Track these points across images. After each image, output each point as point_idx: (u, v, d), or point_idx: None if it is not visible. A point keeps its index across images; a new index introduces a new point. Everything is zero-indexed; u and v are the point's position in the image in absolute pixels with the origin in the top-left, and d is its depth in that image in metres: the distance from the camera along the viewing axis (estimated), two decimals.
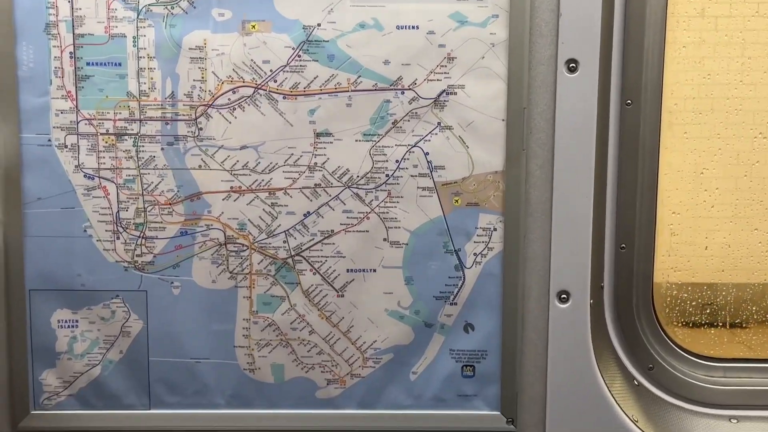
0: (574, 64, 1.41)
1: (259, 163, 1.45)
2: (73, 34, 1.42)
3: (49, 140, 1.44)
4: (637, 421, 1.50)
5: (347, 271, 1.48)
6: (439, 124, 1.45)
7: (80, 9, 1.41)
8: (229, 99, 1.44)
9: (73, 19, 1.41)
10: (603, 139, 1.47)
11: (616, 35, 1.46)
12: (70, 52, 1.42)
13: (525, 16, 1.40)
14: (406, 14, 1.41)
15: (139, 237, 1.47)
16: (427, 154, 1.45)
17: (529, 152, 1.44)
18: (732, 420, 1.55)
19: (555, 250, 1.45)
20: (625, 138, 1.48)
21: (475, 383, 1.51)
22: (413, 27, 1.42)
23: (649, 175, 1.49)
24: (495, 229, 1.47)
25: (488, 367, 1.51)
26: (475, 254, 1.47)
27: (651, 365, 1.55)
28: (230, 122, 1.44)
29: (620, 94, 1.47)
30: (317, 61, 1.43)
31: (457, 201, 1.47)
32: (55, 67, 1.43)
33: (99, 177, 1.46)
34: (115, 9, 1.41)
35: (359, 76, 1.43)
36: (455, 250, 1.48)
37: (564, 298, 1.46)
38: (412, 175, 1.46)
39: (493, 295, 1.48)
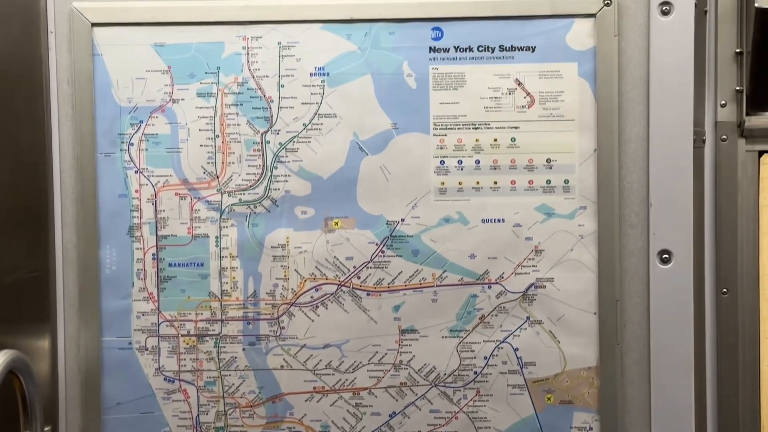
0: (667, 255, 1.37)
1: (342, 361, 1.41)
2: (156, 235, 1.41)
3: (130, 343, 1.42)
4: None
5: None
6: (528, 318, 1.40)
7: (164, 211, 1.41)
8: (311, 297, 1.41)
9: (156, 221, 1.41)
10: (700, 330, 1.41)
11: (707, 223, 1.43)
12: (153, 254, 1.41)
13: (614, 207, 1.37)
14: (492, 208, 1.39)
15: None
16: (516, 350, 1.40)
17: (623, 346, 1.39)
18: None
19: None
20: (722, 329, 1.43)
21: None
22: (499, 220, 1.39)
23: (750, 367, 1.43)
24: (591, 428, 1.40)
25: None
26: None
27: None
28: (313, 320, 1.41)
29: (715, 283, 1.43)
30: (401, 256, 1.40)
31: (549, 398, 1.40)
32: (138, 269, 1.41)
33: (179, 380, 1.42)
34: (198, 210, 1.41)
35: (444, 271, 1.40)
36: None
37: None
38: (501, 372, 1.40)
39: None
